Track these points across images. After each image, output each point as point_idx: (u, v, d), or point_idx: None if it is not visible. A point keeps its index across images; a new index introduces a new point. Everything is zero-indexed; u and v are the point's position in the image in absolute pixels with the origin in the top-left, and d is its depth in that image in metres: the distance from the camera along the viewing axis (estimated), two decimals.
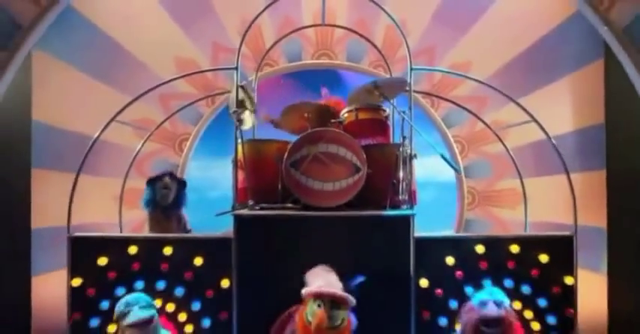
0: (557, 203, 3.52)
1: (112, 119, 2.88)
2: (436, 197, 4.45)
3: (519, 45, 4.10)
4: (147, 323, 1.96)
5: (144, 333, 1.96)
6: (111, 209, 3.87)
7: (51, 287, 3.91)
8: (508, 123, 3.36)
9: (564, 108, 4.14)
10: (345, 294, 1.94)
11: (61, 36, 3.86)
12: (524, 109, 2.86)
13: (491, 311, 2.11)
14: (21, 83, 3.28)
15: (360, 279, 2.10)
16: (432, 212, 4.18)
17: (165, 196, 2.78)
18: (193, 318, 2.39)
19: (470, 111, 3.39)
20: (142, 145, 3.43)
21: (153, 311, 2.00)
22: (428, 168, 4.37)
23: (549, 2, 4.02)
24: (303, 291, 1.98)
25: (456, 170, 2.26)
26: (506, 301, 2.18)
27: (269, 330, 2.19)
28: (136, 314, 1.95)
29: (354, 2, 4.16)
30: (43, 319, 3.69)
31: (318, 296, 1.93)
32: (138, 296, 2.06)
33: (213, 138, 4.51)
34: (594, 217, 4.00)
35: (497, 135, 3.47)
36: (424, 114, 4.46)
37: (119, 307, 2.02)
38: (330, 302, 1.92)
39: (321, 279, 2.03)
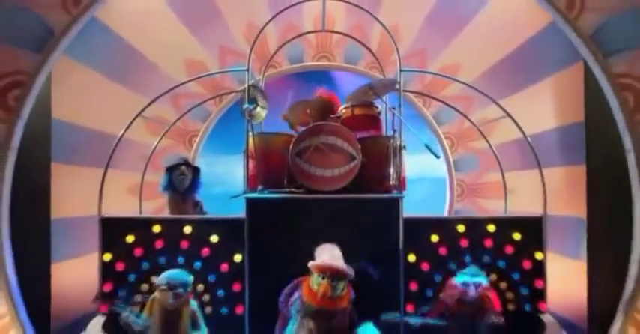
0: (540, 194, 3.93)
1: (137, 115, 3.29)
2: (430, 190, 4.87)
3: (505, 48, 4.46)
4: (181, 296, 2.35)
5: (177, 298, 2.34)
6: (125, 200, 4.27)
7: (69, 273, 4.33)
8: (489, 119, 3.72)
9: (547, 106, 4.52)
10: (345, 268, 2.33)
11: (79, 39, 4.23)
12: (501, 107, 3.25)
13: (471, 292, 2.49)
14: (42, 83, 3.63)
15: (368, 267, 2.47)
16: (426, 204, 4.63)
17: (182, 182, 3.18)
18: (210, 289, 2.77)
19: (457, 110, 3.78)
20: (159, 141, 3.79)
21: (185, 291, 2.38)
22: (422, 165, 4.81)
23: (532, 10, 4.39)
24: (310, 264, 2.36)
25: (437, 156, 2.63)
26: (485, 281, 2.56)
27: (277, 298, 2.57)
28: (172, 297, 2.33)
29: (351, 8, 4.56)
30: (62, 301, 4.05)
31: (323, 270, 2.32)
32: (176, 276, 2.43)
33: (218, 136, 4.91)
34: (575, 208, 4.38)
35: (481, 132, 3.86)
36: (417, 112, 4.87)
37: (160, 280, 2.38)
38: (333, 274, 2.31)
39: (327, 254, 2.40)
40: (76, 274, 4.25)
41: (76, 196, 4.31)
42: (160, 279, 2.35)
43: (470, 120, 3.76)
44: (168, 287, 2.31)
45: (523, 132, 3.21)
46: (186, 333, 2.37)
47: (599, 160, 4.02)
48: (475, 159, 4.61)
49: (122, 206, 4.17)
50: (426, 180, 4.86)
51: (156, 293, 2.37)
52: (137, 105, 4.24)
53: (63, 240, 4.23)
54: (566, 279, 4.33)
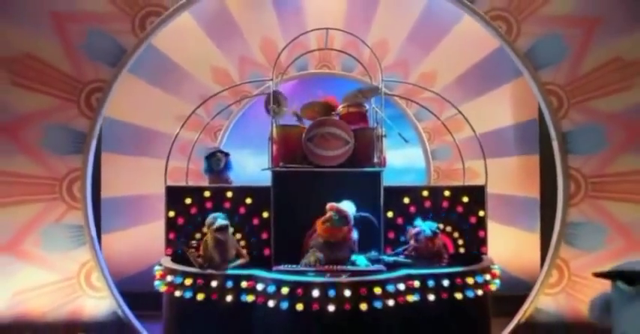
0: (498, 178, 5.24)
1: (190, 115, 4.49)
2: (414, 179, 6.24)
3: (472, 59, 5.69)
4: (225, 228, 3.66)
5: (223, 235, 3.65)
6: (161, 182, 5.53)
7: (117, 242, 5.62)
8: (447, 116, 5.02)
9: (507, 107, 5.79)
10: (345, 210, 3.65)
11: None
12: (456, 108, 4.50)
13: (426, 232, 3.83)
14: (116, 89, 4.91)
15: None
16: None
17: (218, 165, 4.51)
18: (245, 237, 4.07)
19: (427, 110, 4.97)
20: (199, 135, 4.90)
21: (228, 222, 3.69)
22: (409, 158, 6.26)
23: None
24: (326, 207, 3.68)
25: (406, 141, 3.98)
26: (435, 227, 3.88)
27: (295, 243, 3.88)
28: (220, 222, 3.64)
29: (348, 27, 5.83)
30: (111, 266, 5.15)
31: (331, 208, 3.65)
32: (219, 214, 3.75)
33: (237, 130, 6.22)
34: (530, 190, 5.72)
35: (447, 128, 5.11)
36: (401, 111, 6.21)
37: (209, 219, 3.68)
38: (336, 211, 3.64)
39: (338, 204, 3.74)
40: (123, 244, 5.57)
41: (121, 179, 5.63)
42: (210, 218, 3.67)
43: (438, 118, 5.03)
44: (217, 223, 3.62)
45: (473, 129, 4.48)
46: (231, 260, 3.70)
47: (549, 150, 5.20)
48: (448, 149, 5.94)
49: (160, 186, 5.49)
50: (412, 171, 6.24)
51: (209, 232, 3.68)
52: (171, 105, 5.61)
53: (111, 215, 5.51)
54: (522, 248, 5.71)
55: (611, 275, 1.99)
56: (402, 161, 5.98)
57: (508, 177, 5.76)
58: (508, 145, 5.84)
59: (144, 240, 5.38)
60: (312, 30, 4.69)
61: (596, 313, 2.08)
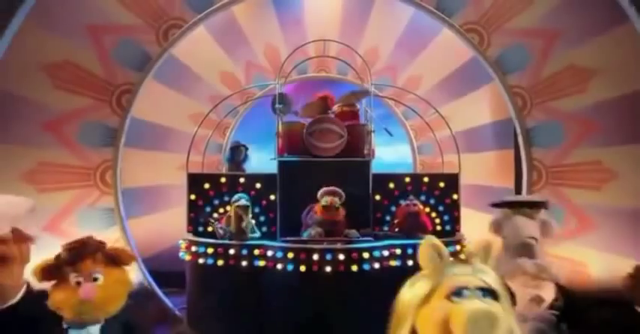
0: (477, 170, 6.21)
1: (207, 115, 5.37)
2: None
3: (455, 64, 6.53)
4: (246, 208, 4.58)
5: (244, 211, 4.57)
6: (175, 174, 6.45)
7: (134, 228, 6.50)
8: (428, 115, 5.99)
9: (485, 106, 6.69)
10: (340, 191, 4.58)
11: None
12: (434, 108, 5.44)
13: (412, 208, 4.77)
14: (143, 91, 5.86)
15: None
16: None
17: (240, 156, 5.48)
18: (255, 216, 5.01)
19: (413, 110, 5.98)
20: (212, 134, 5.84)
21: (249, 204, 4.62)
22: (400, 153, 7.27)
23: None
24: (319, 193, 4.61)
25: (391, 135, 4.94)
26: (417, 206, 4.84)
27: (298, 221, 4.81)
28: (243, 202, 4.55)
29: (343, 35, 6.75)
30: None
31: (327, 192, 4.56)
32: (243, 195, 4.68)
33: (244, 128, 7.17)
34: (505, 181, 6.67)
35: (429, 126, 6.05)
36: (391, 111, 7.18)
37: (235, 197, 4.58)
38: (333, 193, 4.56)
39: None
40: (137, 229, 6.45)
41: (139, 171, 6.54)
42: (236, 196, 4.61)
43: (421, 117, 6.00)
44: (240, 202, 4.55)
45: (449, 127, 5.42)
46: (248, 234, 4.63)
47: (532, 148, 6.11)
48: (432, 145, 6.89)
49: (173, 178, 6.39)
50: (402, 165, 7.23)
51: (232, 207, 4.61)
52: (184, 105, 6.51)
53: (129, 203, 6.32)
54: None
55: (499, 205, 3.04)
56: (392, 156, 7.03)
57: (486, 170, 6.72)
58: (486, 141, 6.79)
59: (158, 226, 6.30)
60: (312, 41, 5.64)
61: (493, 228, 3.11)
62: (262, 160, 5.72)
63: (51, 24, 5.32)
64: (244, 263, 4.39)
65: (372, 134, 5.15)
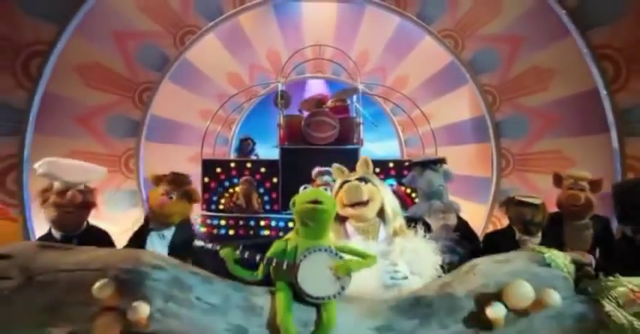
0: (458, 161, 7.20)
1: (216, 111, 6.47)
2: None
3: (438, 65, 7.43)
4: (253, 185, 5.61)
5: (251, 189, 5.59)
6: (184, 166, 7.45)
7: None
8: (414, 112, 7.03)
9: (465, 103, 7.61)
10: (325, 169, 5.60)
11: None
12: (417, 106, 6.51)
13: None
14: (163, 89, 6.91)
15: None
16: None
17: (247, 148, 6.51)
18: (260, 196, 6.03)
19: (399, 107, 7.05)
20: (221, 127, 6.95)
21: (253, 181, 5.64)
22: (388, 149, 8.31)
23: None
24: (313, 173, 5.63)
25: (376, 125, 5.97)
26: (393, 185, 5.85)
27: None
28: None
29: (338, 40, 7.78)
30: None
31: (321, 173, 5.59)
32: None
33: (247, 123, 8.22)
34: (483, 171, 7.66)
35: (413, 123, 7.16)
36: (381, 108, 8.22)
37: (243, 178, 5.62)
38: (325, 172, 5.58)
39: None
40: None
41: (154, 160, 7.51)
42: (244, 178, 5.62)
43: (407, 113, 7.04)
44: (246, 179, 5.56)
45: (428, 122, 6.48)
46: (258, 208, 5.64)
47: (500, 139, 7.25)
48: (417, 139, 7.91)
49: (185, 169, 7.39)
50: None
51: (241, 184, 5.62)
52: (194, 103, 7.49)
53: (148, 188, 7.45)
54: (476, 217, 7.63)
55: (412, 164, 4.13)
56: (382, 151, 8.08)
57: (466, 161, 7.71)
58: (466, 135, 7.77)
59: None
60: (309, 46, 6.67)
61: (409, 181, 4.05)
62: (262, 150, 6.90)
63: (83, 31, 6.28)
64: (252, 232, 5.40)
65: (361, 125, 6.17)
